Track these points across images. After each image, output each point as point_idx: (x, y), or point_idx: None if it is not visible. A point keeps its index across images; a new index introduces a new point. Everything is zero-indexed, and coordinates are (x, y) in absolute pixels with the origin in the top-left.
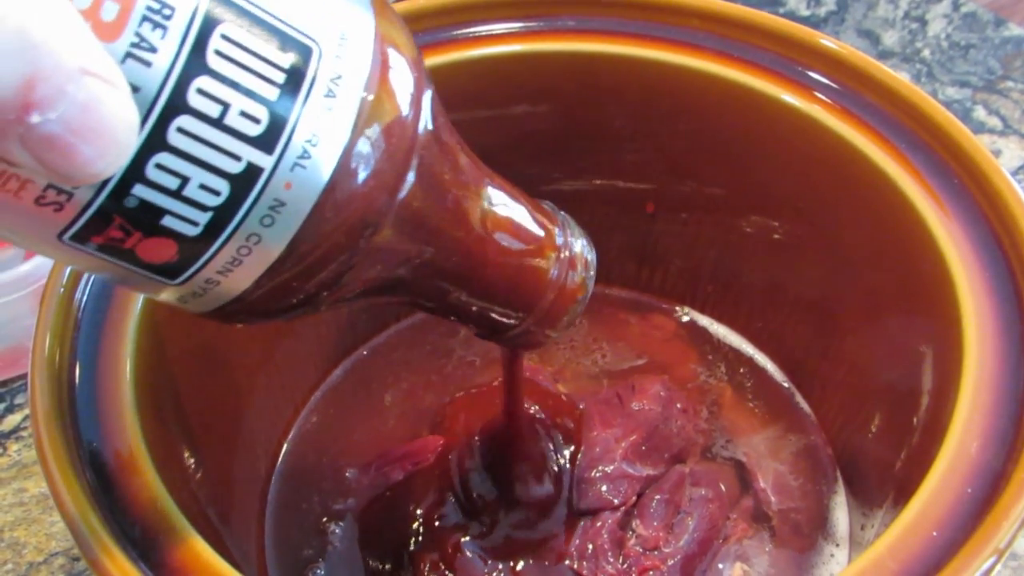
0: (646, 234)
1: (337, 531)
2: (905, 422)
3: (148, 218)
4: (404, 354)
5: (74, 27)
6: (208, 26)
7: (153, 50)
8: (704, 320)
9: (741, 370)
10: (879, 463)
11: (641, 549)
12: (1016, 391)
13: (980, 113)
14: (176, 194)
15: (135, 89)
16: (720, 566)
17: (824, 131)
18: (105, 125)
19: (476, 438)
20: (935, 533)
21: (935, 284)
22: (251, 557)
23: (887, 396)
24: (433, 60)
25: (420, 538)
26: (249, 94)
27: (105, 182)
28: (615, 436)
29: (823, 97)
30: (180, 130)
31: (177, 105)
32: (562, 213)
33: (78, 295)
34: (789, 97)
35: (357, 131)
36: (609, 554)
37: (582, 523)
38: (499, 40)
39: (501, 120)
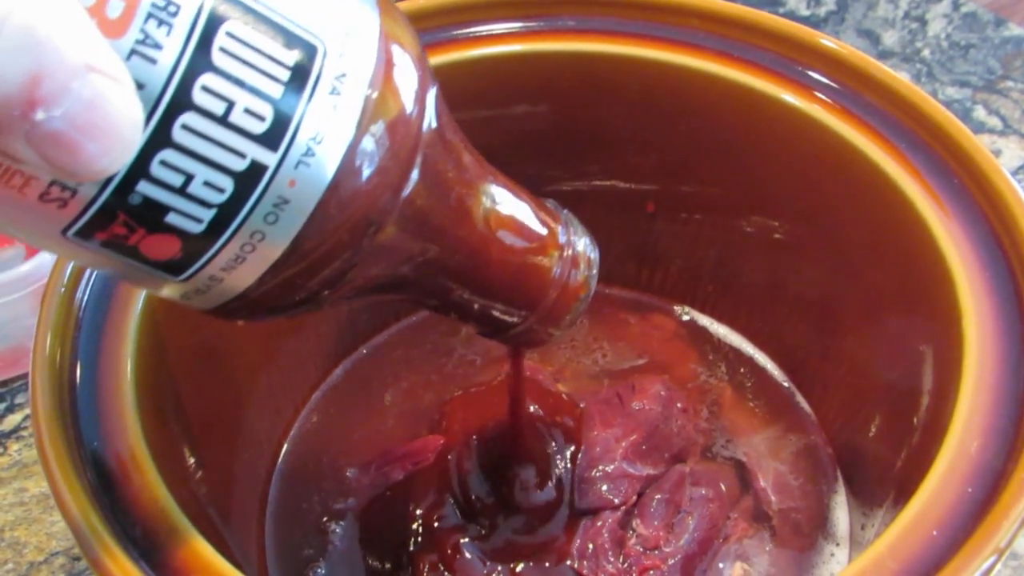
0: (646, 234)
1: (337, 530)
2: (905, 422)
3: (152, 215)
4: (404, 353)
5: (79, 24)
6: (213, 23)
7: (158, 47)
8: (704, 320)
9: (741, 370)
10: (879, 463)
11: (641, 548)
12: (1016, 391)
13: (980, 113)
14: (180, 191)
15: (140, 86)
16: (720, 565)
17: (824, 131)
18: (110, 122)
19: (474, 439)
20: (935, 533)
21: (935, 284)
22: (251, 556)
23: (887, 396)
24: (433, 60)
25: (419, 539)
26: (254, 92)
27: (109, 179)
28: (615, 436)
29: (823, 97)
30: (185, 127)
31: (182, 102)
32: (565, 211)
33: (79, 295)
34: (789, 97)
35: (361, 129)
36: (609, 553)
37: (582, 523)
38: (499, 40)
39: (501, 120)
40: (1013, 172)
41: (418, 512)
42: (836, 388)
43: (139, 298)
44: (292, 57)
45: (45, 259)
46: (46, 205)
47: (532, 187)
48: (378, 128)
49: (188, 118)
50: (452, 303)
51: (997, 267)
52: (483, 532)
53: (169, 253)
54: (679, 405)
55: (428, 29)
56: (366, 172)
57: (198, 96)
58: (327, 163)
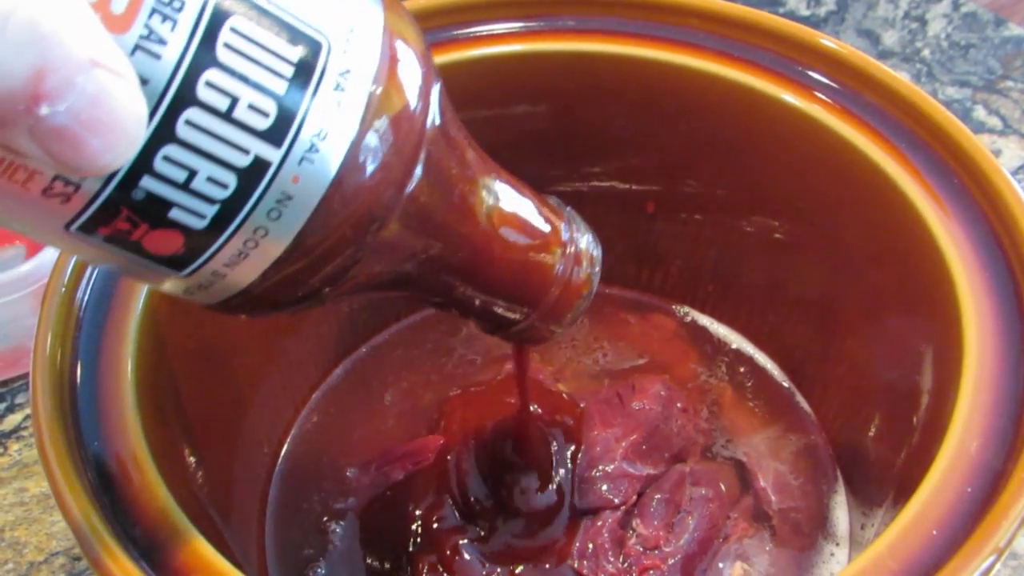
0: (646, 234)
1: (338, 530)
2: (905, 421)
3: (155, 210)
4: (405, 353)
5: (84, 19)
6: (218, 19)
7: (163, 42)
8: (704, 320)
9: (741, 370)
10: (879, 462)
11: (641, 548)
12: (1016, 391)
13: (980, 113)
14: (183, 187)
15: (144, 81)
16: (720, 565)
17: (824, 131)
18: (114, 117)
19: (473, 440)
20: (935, 532)
21: (935, 284)
22: (252, 556)
23: (887, 396)
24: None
25: (419, 539)
26: (258, 88)
27: (113, 174)
28: (615, 435)
29: (823, 97)
30: (188, 123)
31: (186, 98)
32: (568, 208)
33: (79, 295)
34: (789, 97)
35: (365, 125)
36: (609, 553)
37: (582, 523)
38: (499, 40)
39: (501, 120)
40: (1013, 172)
41: (417, 513)
42: (836, 388)
43: (140, 298)
44: (296, 53)
45: (46, 259)
46: (49, 200)
47: (532, 187)
48: (382, 124)
49: (192, 114)
50: (454, 300)
51: (997, 267)
52: (482, 534)
53: (172, 248)
54: (679, 405)
55: (429, 29)
56: (370, 168)
57: (202, 92)
58: (331, 159)
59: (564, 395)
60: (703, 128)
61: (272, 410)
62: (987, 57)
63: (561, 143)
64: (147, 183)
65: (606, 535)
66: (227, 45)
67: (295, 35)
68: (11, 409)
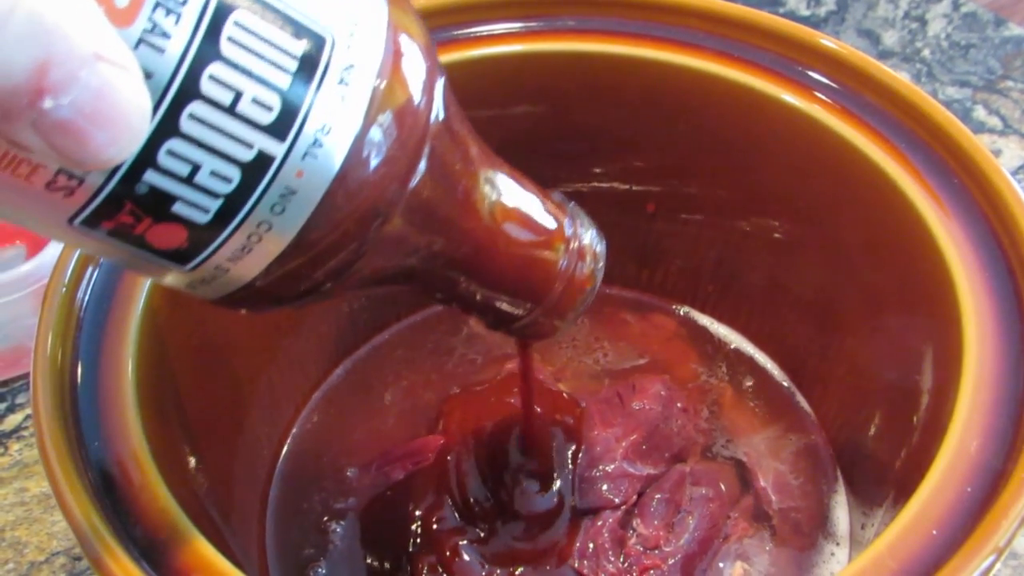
0: (647, 234)
1: (338, 530)
2: (905, 421)
3: (159, 204)
4: (405, 353)
5: (87, 12)
6: (222, 13)
7: (166, 36)
8: (704, 320)
9: (741, 370)
10: (879, 462)
11: (642, 548)
12: (1016, 391)
13: (980, 113)
14: (187, 181)
15: (148, 75)
16: (720, 565)
17: (824, 131)
18: (118, 111)
19: (473, 440)
20: (935, 532)
21: (935, 284)
22: (252, 556)
23: (887, 395)
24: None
25: (419, 540)
26: (262, 82)
27: (116, 168)
28: (616, 435)
29: (823, 97)
30: (192, 117)
31: (190, 92)
32: (572, 204)
33: (80, 295)
34: (789, 97)
35: (369, 119)
36: (610, 553)
37: (583, 523)
38: (499, 40)
39: (501, 120)
40: (1013, 172)
41: (417, 513)
42: (836, 388)
43: (140, 298)
44: (301, 47)
45: (46, 259)
46: (53, 194)
47: (536, 183)
48: (386, 118)
49: (196, 108)
50: (457, 295)
51: (997, 267)
52: (482, 535)
53: (175, 242)
54: (679, 405)
55: (429, 29)
56: (373, 163)
57: (206, 86)
58: (335, 154)
59: (564, 395)
60: (703, 128)
61: (272, 410)
62: (987, 57)
63: (561, 143)
64: (151, 177)
65: (606, 535)
66: (231, 39)
67: (299, 29)
68: (11, 409)
